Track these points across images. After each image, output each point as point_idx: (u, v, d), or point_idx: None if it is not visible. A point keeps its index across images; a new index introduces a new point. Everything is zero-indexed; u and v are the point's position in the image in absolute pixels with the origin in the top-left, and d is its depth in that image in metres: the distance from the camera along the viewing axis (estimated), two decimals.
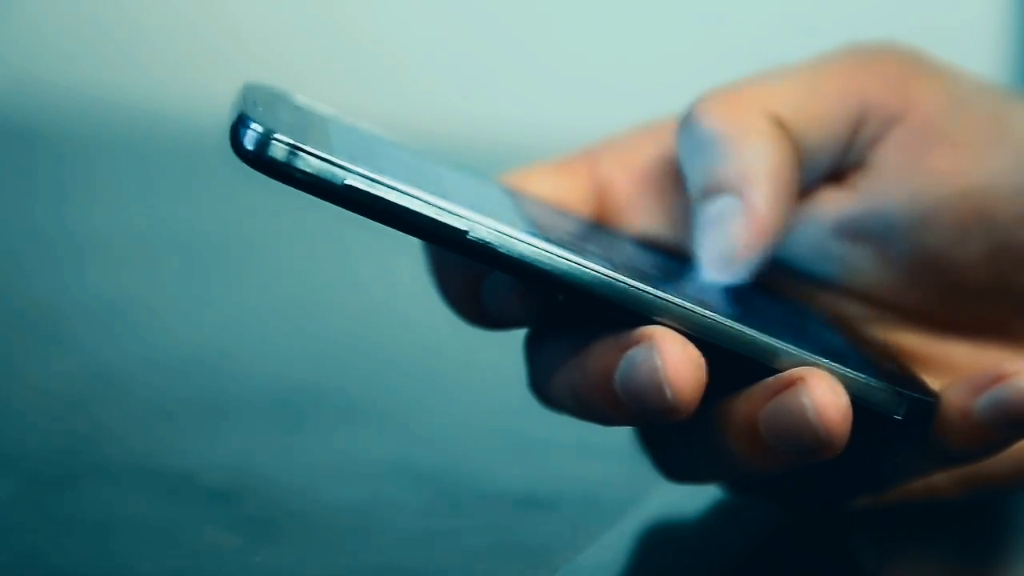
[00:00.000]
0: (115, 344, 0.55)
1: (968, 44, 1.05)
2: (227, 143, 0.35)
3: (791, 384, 0.35)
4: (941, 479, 0.41)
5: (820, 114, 0.41)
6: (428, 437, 0.48)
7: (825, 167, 0.41)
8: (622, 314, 0.36)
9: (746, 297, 0.40)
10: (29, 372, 0.52)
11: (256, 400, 0.50)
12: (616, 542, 0.41)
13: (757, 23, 1.10)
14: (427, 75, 1.16)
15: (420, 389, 0.53)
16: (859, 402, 0.36)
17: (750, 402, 0.36)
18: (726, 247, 0.39)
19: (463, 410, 0.51)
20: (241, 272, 0.70)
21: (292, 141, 0.34)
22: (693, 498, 0.43)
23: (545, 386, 0.39)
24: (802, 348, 0.36)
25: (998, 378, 0.36)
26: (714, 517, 0.43)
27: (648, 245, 0.42)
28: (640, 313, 0.36)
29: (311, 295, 0.66)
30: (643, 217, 0.42)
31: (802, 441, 0.35)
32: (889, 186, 0.41)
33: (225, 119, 0.35)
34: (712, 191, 0.40)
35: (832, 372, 0.36)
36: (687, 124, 0.41)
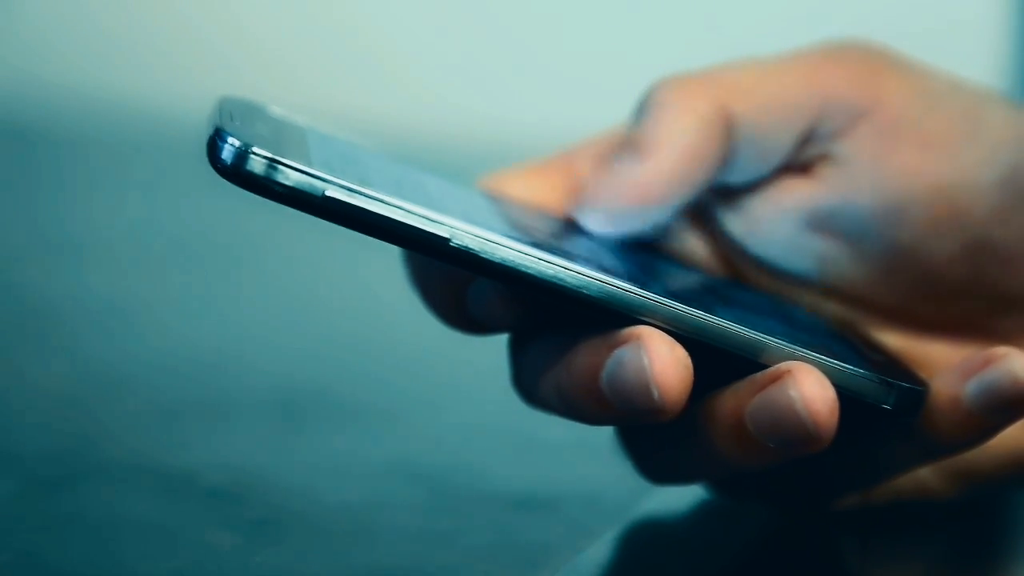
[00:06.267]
0: (115, 344, 0.55)
1: (968, 44, 1.05)
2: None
3: (778, 378, 0.35)
4: (931, 478, 0.41)
5: (773, 103, 0.41)
6: (427, 437, 0.48)
7: (783, 156, 0.41)
8: (608, 315, 0.36)
9: (729, 292, 0.40)
10: (29, 372, 0.52)
11: (256, 400, 0.50)
12: (616, 542, 0.41)
13: (755, 24, 1.10)
14: (426, 75, 1.16)
15: (420, 389, 0.53)
16: (847, 393, 0.36)
17: (736, 397, 0.36)
18: (597, 195, 0.40)
19: (463, 410, 0.51)
20: (241, 272, 0.70)
21: (270, 154, 0.34)
22: (693, 499, 0.43)
23: (529, 383, 0.39)
24: (788, 341, 0.36)
25: (987, 361, 0.36)
26: (713, 517, 0.43)
27: (626, 243, 0.42)
28: (626, 313, 0.36)
29: (311, 295, 0.67)
30: None
31: (790, 434, 0.35)
32: (857, 179, 0.41)
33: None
34: (625, 147, 0.40)
35: (819, 364, 0.36)
36: (641, 98, 0.41)
